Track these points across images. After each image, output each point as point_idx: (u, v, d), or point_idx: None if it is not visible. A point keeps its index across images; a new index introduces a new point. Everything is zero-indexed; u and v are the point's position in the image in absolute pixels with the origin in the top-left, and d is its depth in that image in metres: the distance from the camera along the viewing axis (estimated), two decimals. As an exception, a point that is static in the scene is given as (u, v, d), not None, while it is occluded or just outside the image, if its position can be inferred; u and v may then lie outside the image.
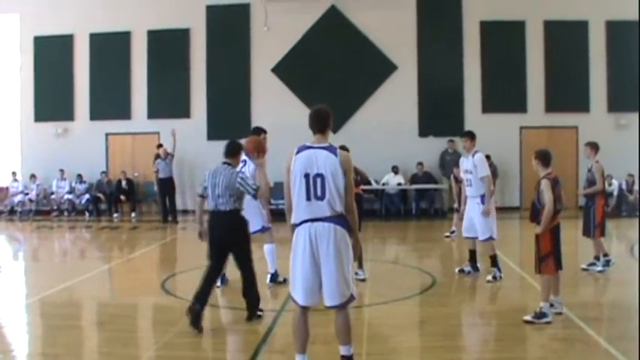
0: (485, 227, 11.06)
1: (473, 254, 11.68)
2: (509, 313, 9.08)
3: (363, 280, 10.88)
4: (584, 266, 11.86)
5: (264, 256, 10.70)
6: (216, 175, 8.55)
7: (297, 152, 6.26)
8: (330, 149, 6.18)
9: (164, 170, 21.02)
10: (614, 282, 11.22)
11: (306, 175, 6.09)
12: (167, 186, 21.17)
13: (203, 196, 8.79)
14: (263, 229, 10.61)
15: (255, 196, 8.62)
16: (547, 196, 8.37)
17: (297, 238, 6.15)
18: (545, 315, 8.36)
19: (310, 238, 6.06)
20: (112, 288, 12.10)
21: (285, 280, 10.17)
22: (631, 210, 21.26)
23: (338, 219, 6.08)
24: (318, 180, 6.05)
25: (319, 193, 6.04)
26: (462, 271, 11.69)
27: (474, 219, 11.22)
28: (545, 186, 8.43)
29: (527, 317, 8.40)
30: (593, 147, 12.01)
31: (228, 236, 8.53)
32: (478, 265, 11.68)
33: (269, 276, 10.76)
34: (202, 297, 8.36)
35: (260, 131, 10.60)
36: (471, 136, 11.45)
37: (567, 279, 10.58)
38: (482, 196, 11.12)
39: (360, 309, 9.40)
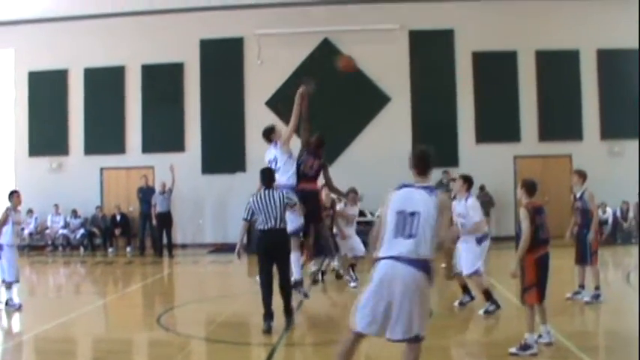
0: (469, 262, 10.95)
1: (465, 287, 11.61)
2: (506, 344, 9.03)
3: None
4: (568, 295, 11.74)
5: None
6: (266, 199, 9.79)
7: (397, 189, 6.32)
8: (429, 190, 6.14)
9: (162, 204, 20.96)
10: (612, 310, 11.18)
11: (400, 212, 6.05)
12: (165, 220, 21.09)
13: (248, 220, 9.96)
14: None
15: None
16: (524, 225, 8.36)
17: (378, 271, 6.03)
18: (529, 347, 8.23)
19: (389, 276, 5.94)
20: (107, 323, 12.03)
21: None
22: (626, 237, 21.29)
23: (421, 263, 5.93)
24: (411, 218, 5.99)
25: (410, 231, 5.96)
26: (461, 303, 11.60)
27: (460, 254, 11.11)
28: (522, 215, 8.43)
29: (512, 349, 8.27)
30: (582, 175, 11.86)
31: (279, 250, 9.81)
32: (473, 293, 11.63)
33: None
34: (269, 307, 9.64)
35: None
36: (465, 179, 11.25)
37: (564, 308, 10.60)
38: (478, 239, 11.03)
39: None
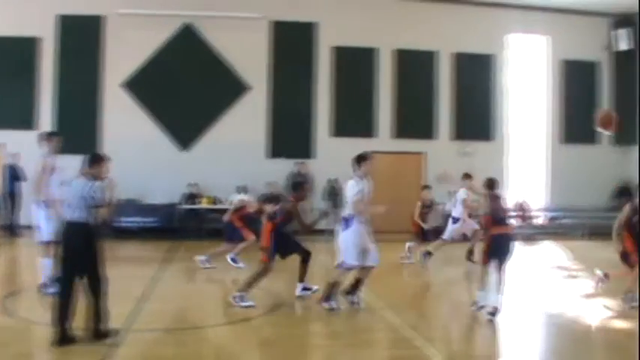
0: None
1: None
2: (353, 334, 9.26)
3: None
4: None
5: None
6: (74, 185, 8.36)
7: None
8: None
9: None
10: (455, 303, 11.63)
11: None
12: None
13: None
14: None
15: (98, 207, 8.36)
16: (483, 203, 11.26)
17: None
18: (475, 303, 10.51)
19: None
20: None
21: None
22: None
23: None
24: None
25: None
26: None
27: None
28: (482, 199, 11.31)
29: (473, 307, 10.52)
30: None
31: (76, 247, 8.19)
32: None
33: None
34: (61, 322, 8.06)
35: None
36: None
37: (412, 301, 10.92)
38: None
39: (204, 329, 9.34)
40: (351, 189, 10.69)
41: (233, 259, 14.56)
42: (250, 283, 11.00)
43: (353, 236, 10.48)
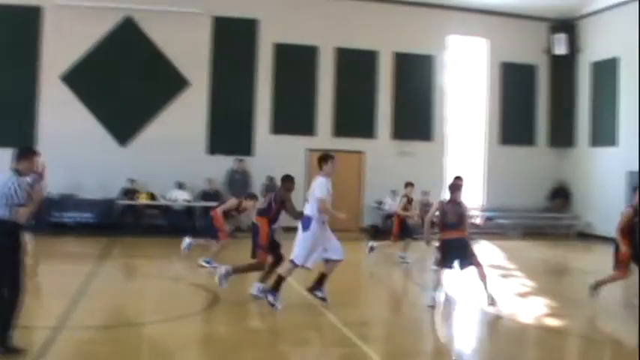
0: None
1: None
2: (290, 330, 9.27)
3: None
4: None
5: None
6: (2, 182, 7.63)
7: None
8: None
9: None
10: (394, 302, 11.71)
11: None
12: None
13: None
14: None
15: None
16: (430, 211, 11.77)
17: None
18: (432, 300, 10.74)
19: None
20: None
21: None
22: (408, 232, 22.30)
23: None
24: None
25: None
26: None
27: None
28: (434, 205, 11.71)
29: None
30: None
31: (1, 246, 7.50)
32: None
33: None
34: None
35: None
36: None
37: (352, 300, 10.96)
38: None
39: (142, 326, 9.25)
40: (321, 187, 10.42)
41: (207, 262, 14.30)
42: (240, 271, 11.29)
43: (310, 239, 10.38)
